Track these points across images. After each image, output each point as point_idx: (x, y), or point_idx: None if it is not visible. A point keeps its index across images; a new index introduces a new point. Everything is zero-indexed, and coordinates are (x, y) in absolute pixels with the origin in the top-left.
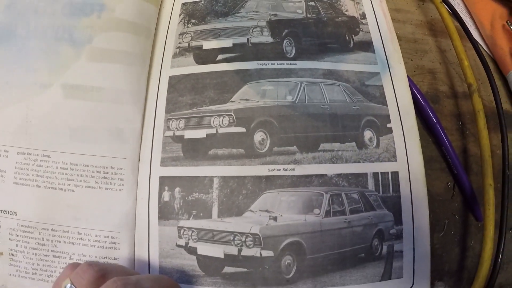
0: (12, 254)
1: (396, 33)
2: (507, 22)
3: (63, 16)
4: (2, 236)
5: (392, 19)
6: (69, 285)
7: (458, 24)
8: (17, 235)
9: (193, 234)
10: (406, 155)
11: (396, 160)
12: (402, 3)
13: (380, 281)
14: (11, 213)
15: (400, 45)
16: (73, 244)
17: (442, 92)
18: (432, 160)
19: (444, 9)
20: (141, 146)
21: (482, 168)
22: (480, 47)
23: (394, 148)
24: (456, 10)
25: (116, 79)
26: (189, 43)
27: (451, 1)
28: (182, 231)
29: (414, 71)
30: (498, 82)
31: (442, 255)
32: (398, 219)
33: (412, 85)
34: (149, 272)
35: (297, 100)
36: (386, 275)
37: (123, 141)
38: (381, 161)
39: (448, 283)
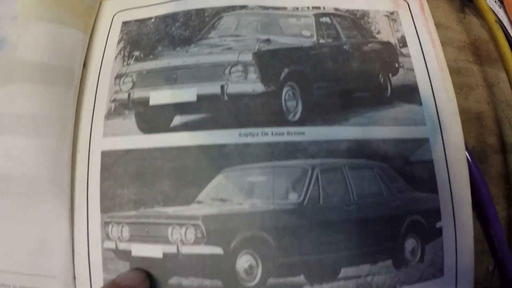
0: None
1: None
2: None
3: None
4: None
5: None
6: None
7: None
8: None
9: None
10: (455, 267)
11: (442, 275)
12: (440, 15)
13: None
14: None
15: None
16: None
17: (490, 146)
18: (474, 242)
19: (496, 26)
20: (75, 261)
21: None
22: None
23: (442, 258)
24: (501, 21)
25: (26, 163)
26: (129, 94)
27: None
28: None
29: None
30: None
31: None
32: None
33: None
34: None
35: (306, 200)
36: None
37: (49, 255)
38: (424, 280)
39: None
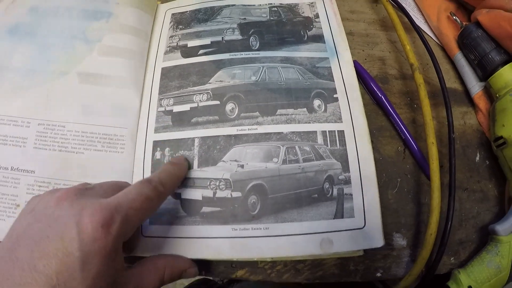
0: None
1: (350, 30)
2: (450, 13)
3: (78, 20)
4: (20, 191)
5: (347, 19)
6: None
7: (407, 20)
8: (33, 189)
9: None
10: (351, 118)
11: (341, 122)
12: (357, 5)
13: (333, 219)
14: (29, 171)
15: (352, 39)
16: None
17: (391, 75)
18: (382, 129)
19: (389, 5)
20: (139, 119)
21: (425, 130)
22: (424, 33)
23: (340, 112)
24: (403, 6)
25: (120, 70)
26: (177, 43)
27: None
28: None
29: (365, 59)
30: (447, 66)
31: (398, 209)
32: (345, 168)
33: (359, 67)
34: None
35: (259, 79)
36: (339, 214)
37: (125, 115)
38: (329, 122)
39: (406, 235)
